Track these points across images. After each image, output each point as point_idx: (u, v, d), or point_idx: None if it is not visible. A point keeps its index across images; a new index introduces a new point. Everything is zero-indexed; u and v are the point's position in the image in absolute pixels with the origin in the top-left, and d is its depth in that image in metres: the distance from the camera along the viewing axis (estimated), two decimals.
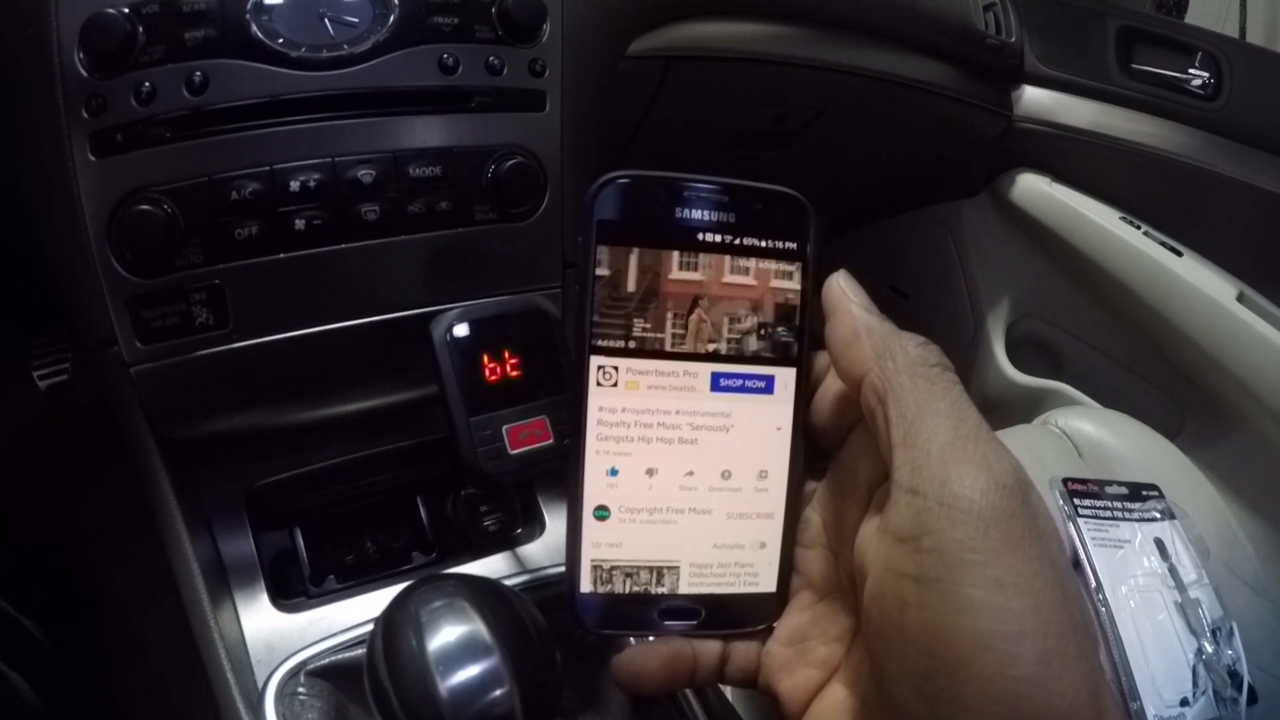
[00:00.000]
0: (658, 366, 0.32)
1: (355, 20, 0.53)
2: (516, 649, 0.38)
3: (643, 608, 0.33)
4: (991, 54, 0.95)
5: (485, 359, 0.49)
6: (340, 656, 0.49)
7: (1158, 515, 0.80)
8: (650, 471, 0.32)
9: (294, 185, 0.51)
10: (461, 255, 0.56)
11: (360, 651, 0.46)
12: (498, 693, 0.36)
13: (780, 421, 0.33)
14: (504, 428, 0.48)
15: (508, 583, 0.52)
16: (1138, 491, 0.81)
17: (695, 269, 0.31)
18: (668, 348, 0.32)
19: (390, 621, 0.40)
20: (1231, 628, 0.73)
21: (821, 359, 0.33)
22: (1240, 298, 0.91)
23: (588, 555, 0.32)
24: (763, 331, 0.32)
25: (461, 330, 0.49)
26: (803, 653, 0.32)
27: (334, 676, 0.49)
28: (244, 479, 0.60)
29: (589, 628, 0.34)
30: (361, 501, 0.63)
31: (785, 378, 0.33)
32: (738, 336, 0.32)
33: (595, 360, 0.31)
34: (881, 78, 0.87)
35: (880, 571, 0.28)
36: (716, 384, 0.32)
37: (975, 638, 0.24)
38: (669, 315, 0.31)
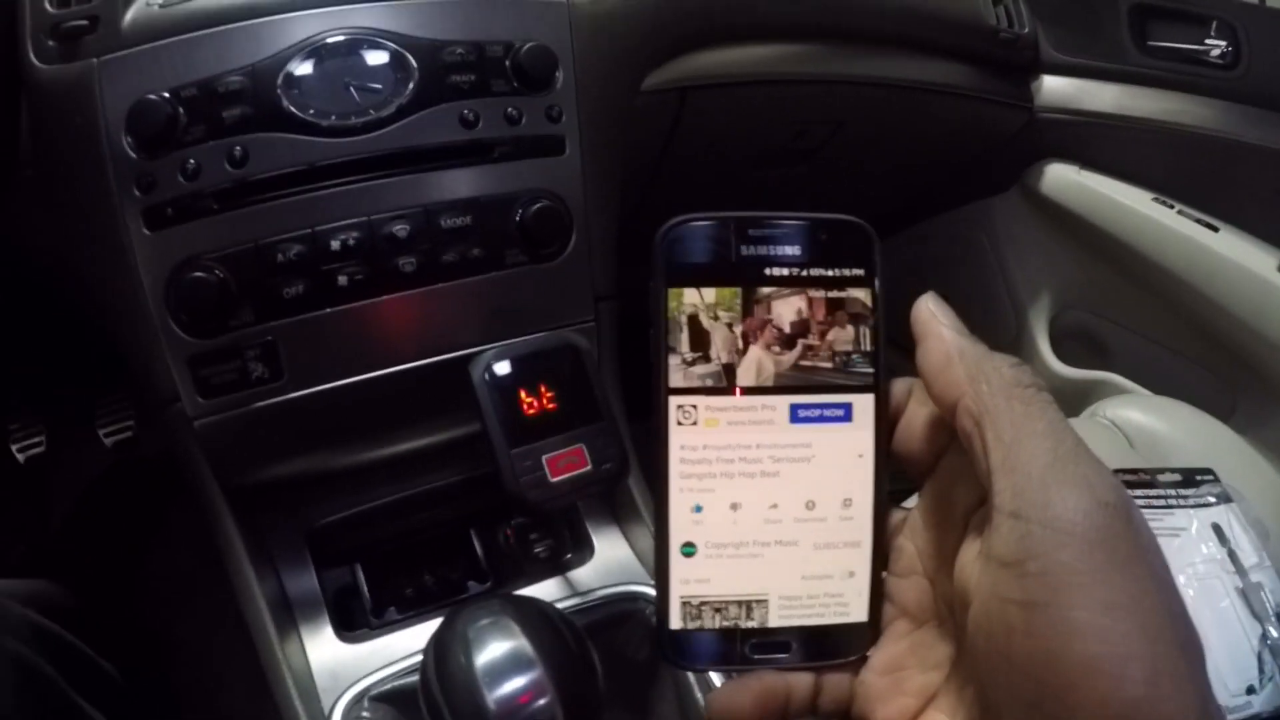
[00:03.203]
0: (735, 403, 0.32)
1: (379, 86, 0.56)
2: (558, 662, 0.41)
3: (733, 643, 0.33)
4: (1006, 48, 0.95)
5: (523, 394, 0.52)
6: (402, 682, 0.52)
7: (1213, 499, 0.78)
8: (734, 506, 0.32)
9: (335, 244, 0.55)
10: (496, 298, 0.59)
11: None
12: (541, 702, 0.39)
13: (861, 448, 0.33)
14: (544, 457, 0.51)
15: (559, 605, 0.54)
16: (1191, 477, 0.79)
17: (765, 303, 0.32)
18: (744, 383, 0.32)
19: (441, 639, 0.43)
20: None
21: (900, 385, 0.33)
22: None
23: (676, 592, 0.32)
24: (837, 360, 0.33)
25: (499, 369, 0.52)
26: (899, 682, 0.32)
27: (396, 701, 0.52)
28: (305, 519, 0.63)
29: (681, 664, 0.33)
30: (417, 536, 0.66)
31: (863, 404, 0.33)
32: (813, 366, 0.33)
33: (674, 400, 0.32)
34: (897, 85, 0.87)
35: (984, 598, 0.27)
36: (795, 415, 0.32)
37: (1083, 661, 0.24)
38: (743, 351, 0.32)
